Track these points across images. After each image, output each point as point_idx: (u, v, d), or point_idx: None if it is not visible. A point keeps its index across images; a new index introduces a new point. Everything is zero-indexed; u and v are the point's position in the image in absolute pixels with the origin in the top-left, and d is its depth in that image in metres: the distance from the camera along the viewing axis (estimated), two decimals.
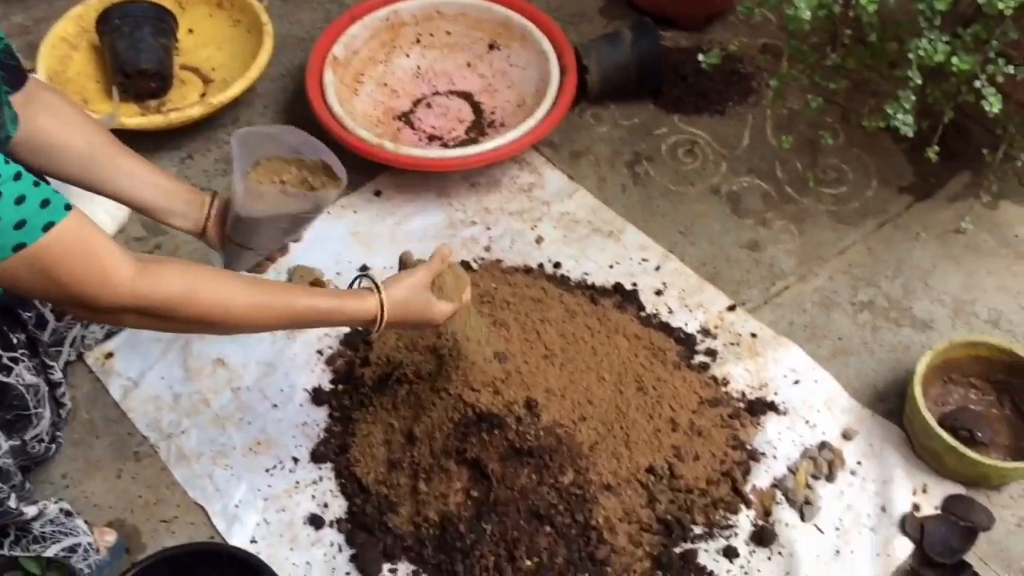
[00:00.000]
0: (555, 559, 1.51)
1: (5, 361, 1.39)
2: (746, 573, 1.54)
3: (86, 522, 1.51)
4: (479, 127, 2.22)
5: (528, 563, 1.51)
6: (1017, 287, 1.92)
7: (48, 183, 1.11)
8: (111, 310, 1.14)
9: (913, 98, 1.69)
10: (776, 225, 2.04)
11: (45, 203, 1.06)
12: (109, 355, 1.80)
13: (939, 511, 1.60)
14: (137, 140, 2.06)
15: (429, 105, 2.27)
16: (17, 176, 1.05)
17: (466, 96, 2.29)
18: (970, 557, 1.54)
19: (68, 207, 1.09)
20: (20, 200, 1.04)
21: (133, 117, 2.07)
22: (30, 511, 1.37)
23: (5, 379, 1.38)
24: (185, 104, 2.15)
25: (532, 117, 2.06)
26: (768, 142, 2.20)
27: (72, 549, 1.46)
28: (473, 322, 1.56)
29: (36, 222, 1.05)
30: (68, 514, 1.48)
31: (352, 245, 2.00)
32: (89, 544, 1.48)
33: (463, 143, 2.16)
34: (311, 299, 1.29)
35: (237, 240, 1.49)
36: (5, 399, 1.38)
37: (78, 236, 1.09)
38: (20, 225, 1.04)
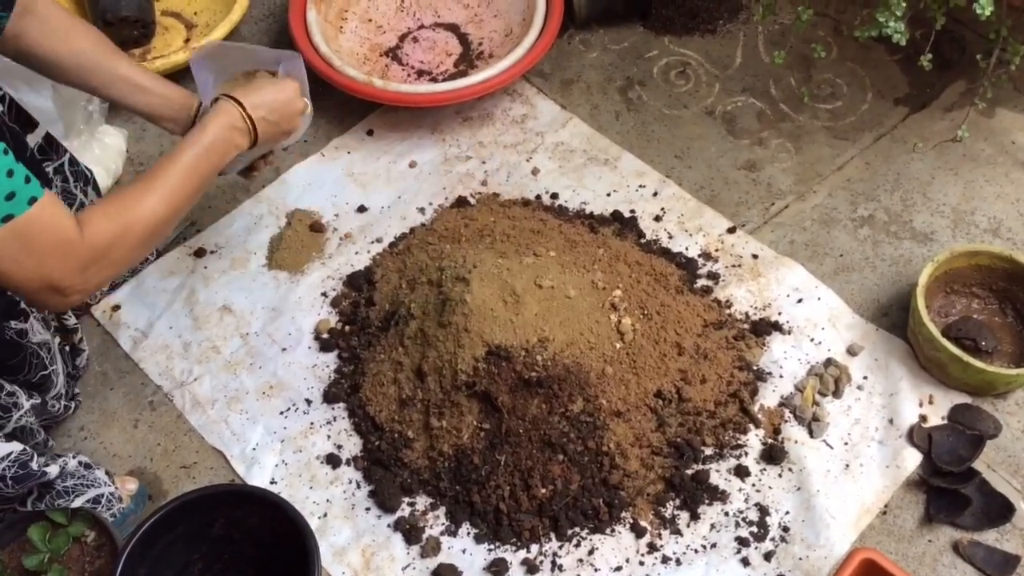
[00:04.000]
0: (569, 486, 1.54)
1: (22, 307, 1.39)
2: (758, 491, 1.57)
3: (107, 472, 1.52)
4: (467, 59, 2.19)
5: (543, 491, 1.53)
6: (1016, 194, 1.93)
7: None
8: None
9: (904, 4, 1.68)
10: (772, 144, 2.03)
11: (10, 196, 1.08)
12: (116, 307, 1.80)
13: (946, 421, 1.63)
14: None
15: (416, 39, 2.24)
16: None
17: (452, 28, 2.26)
18: (978, 465, 1.56)
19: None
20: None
21: None
22: (52, 471, 1.39)
23: (20, 340, 1.38)
24: (170, 51, 2.11)
25: (520, 46, 2.03)
26: (761, 60, 2.18)
27: (96, 500, 1.48)
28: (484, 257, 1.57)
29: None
30: (88, 467, 1.49)
31: (348, 186, 1.99)
32: (111, 494, 1.50)
33: (452, 76, 2.14)
34: (187, 149, 1.31)
35: None
36: (26, 360, 1.38)
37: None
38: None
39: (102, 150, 1.95)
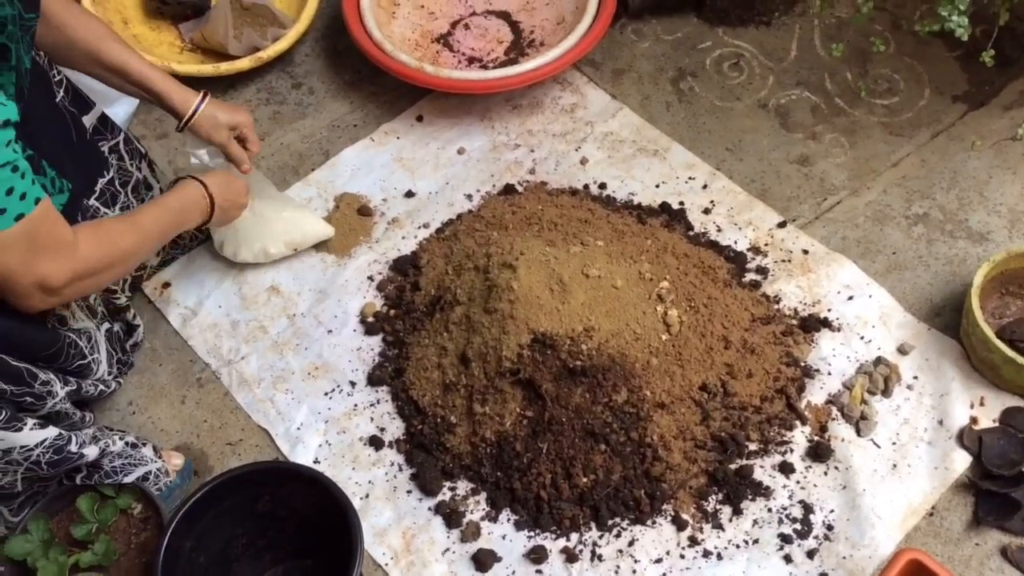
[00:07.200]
0: (611, 476, 1.53)
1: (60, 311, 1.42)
2: (803, 488, 1.55)
3: (154, 448, 1.54)
4: (518, 47, 2.19)
5: (584, 480, 1.53)
6: None
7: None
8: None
9: None
10: (826, 138, 2.01)
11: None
12: (166, 285, 1.83)
13: (997, 423, 1.60)
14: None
15: (467, 26, 2.24)
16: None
17: (504, 15, 2.25)
18: None
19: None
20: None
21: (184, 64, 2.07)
22: (91, 453, 1.39)
23: (59, 328, 1.40)
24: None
25: (572, 35, 2.02)
26: (816, 53, 2.15)
27: (144, 478, 1.49)
28: (532, 245, 1.56)
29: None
30: (134, 446, 1.50)
31: (397, 171, 2.00)
32: (159, 469, 1.52)
33: (503, 64, 2.14)
34: (163, 208, 1.48)
35: None
36: (63, 350, 1.38)
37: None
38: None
39: None
